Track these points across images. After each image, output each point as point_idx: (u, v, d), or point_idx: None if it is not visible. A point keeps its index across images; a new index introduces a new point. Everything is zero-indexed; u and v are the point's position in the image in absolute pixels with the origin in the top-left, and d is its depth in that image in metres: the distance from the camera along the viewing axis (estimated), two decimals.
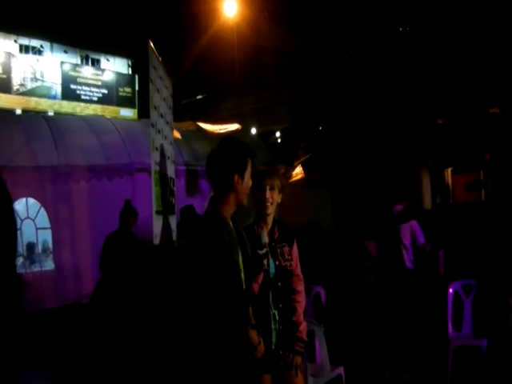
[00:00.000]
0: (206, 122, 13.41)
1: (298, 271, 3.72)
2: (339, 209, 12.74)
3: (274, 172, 3.68)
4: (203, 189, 9.64)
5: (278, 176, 3.68)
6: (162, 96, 5.47)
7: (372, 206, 9.50)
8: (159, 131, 5.19)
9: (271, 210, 3.61)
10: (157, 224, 4.87)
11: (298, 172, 12.75)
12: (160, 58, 5.45)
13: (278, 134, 22.15)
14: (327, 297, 5.61)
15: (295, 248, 3.73)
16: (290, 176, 12.68)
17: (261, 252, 3.30)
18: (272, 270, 3.53)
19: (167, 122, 5.77)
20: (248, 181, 3.10)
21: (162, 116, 5.41)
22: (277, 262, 3.57)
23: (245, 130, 15.98)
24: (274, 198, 3.61)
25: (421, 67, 15.95)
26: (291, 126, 20.62)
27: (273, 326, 3.50)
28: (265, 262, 3.30)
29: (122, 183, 9.08)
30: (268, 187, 3.57)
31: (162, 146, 5.30)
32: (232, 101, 22.67)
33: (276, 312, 3.52)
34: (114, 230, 7.10)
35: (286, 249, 3.65)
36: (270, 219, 3.66)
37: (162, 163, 5.26)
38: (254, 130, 20.47)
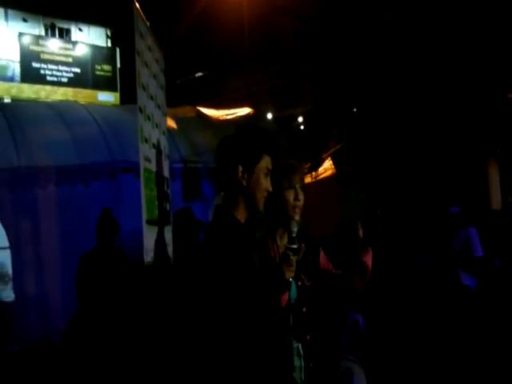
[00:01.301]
0: (208, 106, 13.18)
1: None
2: (379, 213, 12.45)
3: (300, 168, 3.77)
4: (206, 193, 9.57)
5: (300, 175, 3.75)
6: (151, 72, 5.51)
7: (423, 208, 9.40)
8: (149, 118, 5.23)
9: (299, 215, 3.66)
10: (148, 237, 4.90)
11: (328, 167, 12.60)
12: (148, 24, 5.48)
13: (300, 119, 22.12)
14: (367, 326, 5.68)
15: (322, 256, 3.76)
16: (317, 174, 12.63)
17: (293, 246, 3.30)
18: (293, 293, 3.52)
19: (158, 107, 5.79)
20: (262, 179, 3.19)
21: (151, 98, 5.45)
22: (299, 283, 3.56)
23: (258, 115, 15.81)
24: (302, 200, 3.68)
25: (486, 22, 15.70)
26: (317, 108, 20.51)
27: (296, 364, 3.49)
28: (293, 264, 3.25)
29: (102, 188, 8.89)
30: (298, 186, 3.66)
31: (152, 136, 5.33)
32: (241, 78, 22.63)
33: (299, 345, 3.52)
34: (90, 248, 7.14)
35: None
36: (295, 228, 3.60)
37: (154, 159, 5.31)
38: (269, 115, 20.45)
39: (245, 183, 3.13)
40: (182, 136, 10.60)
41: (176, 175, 9.14)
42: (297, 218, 3.61)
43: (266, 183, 3.20)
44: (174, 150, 9.42)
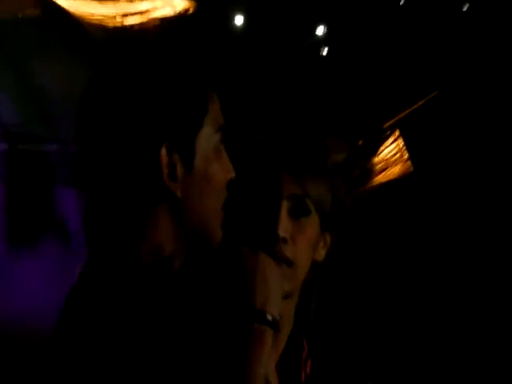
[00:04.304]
0: None
1: None
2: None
3: (313, 159, 1.74)
4: (66, 209, 5.57)
5: (323, 176, 1.71)
6: None
7: None
8: None
9: (293, 285, 1.66)
10: None
11: (393, 157, 6.51)
12: None
13: (320, 29, 10.31)
14: None
15: None
16: (370, 171, 6.11)
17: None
18: None
19: None
20: (214, 162, 1.32)
21: None
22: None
23: (207, 17, 6.27)
24: (301, 243, 1.62)
25: None
26: (368, 10, 9.39)
27: None
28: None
29: None
30: (286, 207, 1.61)
31: None
32: None
33: None
34: None
35: None
36: (290, 315, 1.72)
37: None
38: (238, 19, 7.76)
39: (179, 192, 1.24)
40: (6, 70, 5.69)
41: None
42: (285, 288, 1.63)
43: (221, 165, 1.32)
44: None
